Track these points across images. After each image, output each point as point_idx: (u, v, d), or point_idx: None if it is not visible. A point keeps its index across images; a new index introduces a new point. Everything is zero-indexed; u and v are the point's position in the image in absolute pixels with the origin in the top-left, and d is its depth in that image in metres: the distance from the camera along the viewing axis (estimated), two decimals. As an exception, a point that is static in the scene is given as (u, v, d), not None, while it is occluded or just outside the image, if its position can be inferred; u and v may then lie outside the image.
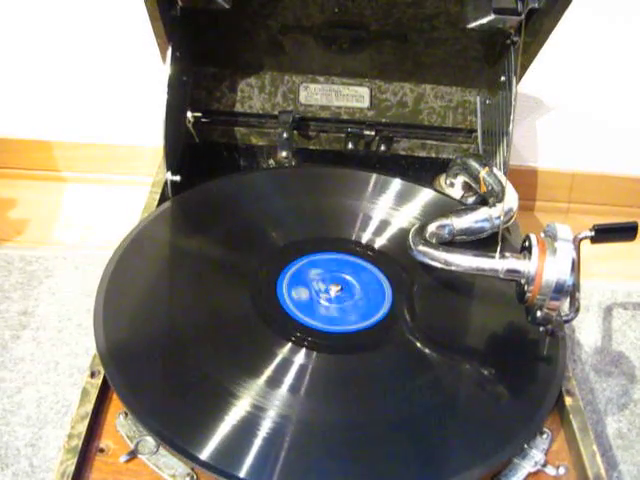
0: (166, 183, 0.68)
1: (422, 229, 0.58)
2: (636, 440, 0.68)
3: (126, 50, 0.86)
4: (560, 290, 0.48)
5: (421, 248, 0.56)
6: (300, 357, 0.51)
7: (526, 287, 0.51)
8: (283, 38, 0.72)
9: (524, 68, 0.70)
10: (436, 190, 0.70)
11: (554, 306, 0.49)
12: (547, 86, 0.88)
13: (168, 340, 0.52)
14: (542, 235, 0.51)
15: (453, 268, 0.54)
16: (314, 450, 0.45)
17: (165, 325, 0.53)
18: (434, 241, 0.57)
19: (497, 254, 0.52)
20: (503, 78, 0.70)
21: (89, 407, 0.47)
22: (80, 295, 0.79)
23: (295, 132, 0.78)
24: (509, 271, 0.51)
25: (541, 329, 0.54)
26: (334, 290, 0.57)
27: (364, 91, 0.78)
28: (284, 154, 0.74)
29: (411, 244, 0.57)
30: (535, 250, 0.50)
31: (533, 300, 0.50)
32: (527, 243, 0.51)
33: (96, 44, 0.86)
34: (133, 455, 0.45)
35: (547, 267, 0.48)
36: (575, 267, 0.48)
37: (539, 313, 0.51)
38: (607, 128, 0.92)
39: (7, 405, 0.66)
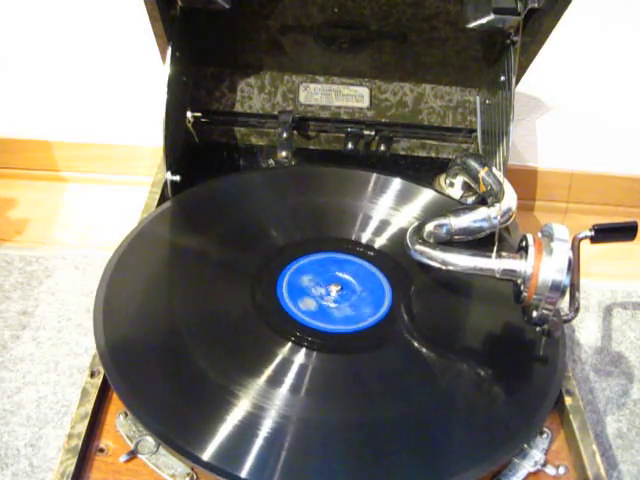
0: (166, 183, 0.68)
1: (420, 228, 0.58)
2: (636, 440, 0.68)
3: (126, 50, 0.86)
4: (556, 290, 0.48)
5: (418, 247, 0.56)
6: (300, 357, 0.51)
7: (522, 287, 0.51)
8: (283, 38, 0.72)
9: (524, 68, 0.70)
10: (436, 190, 0.70)
11: (550, 306, 0.49)
12: (547, 86, 0.88)
13: (168, 340, 0.52)
14: (539, 235, 0.51)
15: (450, 268, 0.54)
16: (314, 450, 0.45)
17: (165, 325, 0.53)
18: (432, 240, 0.57)
19: (493, 254, 0.52)
20: (503, 78, 0.70)
21: (89, 407, 0.47)
22: (80, 295, 0.79)
23: (295, 132, 0.78)
24: (505, 271, 0.51)
25: (538, 329, 0.54)
26: (334, 290, 0.57)
27: (364, 91, 0.78)
28: (284, 154, 0.73)
29: (408, 243, 0.57)
30: (531, 250, 0.50)
31: (529, 300, 0.50)
32: (524, 243, 0.51)
33: (96, 44, 0.86)
34: (133, 455, 0.45)
35: (543, 267, 0.48)
36: (572, 267, 0.48)
37: (535, 313, 0.51)
38: (606, 128, 0.92)
39: (7, 405, 0.66)
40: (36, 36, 0.86)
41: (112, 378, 0.47)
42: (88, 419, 0.46)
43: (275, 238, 0.63)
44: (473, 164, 0.66)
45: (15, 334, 0.74)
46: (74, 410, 0.47)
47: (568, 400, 0.51)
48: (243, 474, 0.42)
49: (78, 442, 0.45)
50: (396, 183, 0.69)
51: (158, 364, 0.50)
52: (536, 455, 0.47)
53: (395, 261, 0.61)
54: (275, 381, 0.48)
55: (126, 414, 0.47)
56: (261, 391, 0.47)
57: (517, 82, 0.71)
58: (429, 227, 0.58)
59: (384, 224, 0.65)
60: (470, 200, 0.71)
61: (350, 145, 0.78)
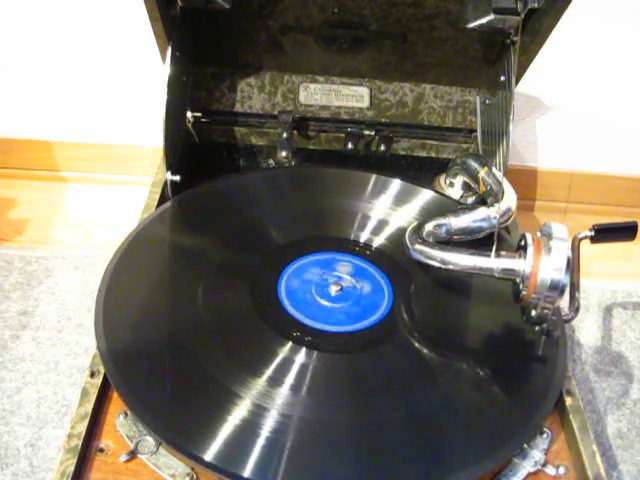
0: (166, 183, 0.68)
1: (419, 228, 0.58)
2: (636, 440, 0.68)
3: (126, 50, 0.86)
4: (555, 289, 0.48)
5: (417, 247, 0.56)
6: (300, 356, 0.51)
7: (521, 286, 0.51)
8: (283, 38, 0.72)
9: (524, 68, 0.70)
10: (436, 190, 0.70)
11: (549, 305, 0.49)
12: (547, 86, 0.88)
13: (169, 340, 0.52)
14: (538, 234, 0.51)
15: (449, 267, 0.54)
16: (315, 449, 0.45)
17: (165, 325, 0.53)
18: (431, 240, 0.57)
19: (492, 253, 0.52)
20: (503, 78, 0.70)
21: (89, 407, 0.47)
22: (80, 295, 0.79)
23: (295, 132, 0.78)
24: (504, 270, 0.51)
25: (536, 328, 0.54)
26: (334, 290, 0.57)
27: (364, 91, 0.78)
28: (284, 154, 0.73)
29: (407, 243, 0.57)
30: (530, 249, 0.50)
31: (528, 299, 0.50)
32: (523, 242, 0.51)
33: (96, 44, 0.86)
34: (133, 455, 0.45)
35: (542, 266, 0.48)
36: (571, 266, 0.48)
37: (534, 312, 0.51)
38: (606, 128, 0.92)
39: (7, 405, 0.66)
40: (36, 36, 0.86)
41: (112, 378, 0.47)
42: (88, 419, 0.46)
43: (275, 238, 0.63)
44: (473, 164, 0.66)
45: (15, 334, 0.74)
46: (74, 410, 0.47)
47: (568, 400, 0.51)
48: (244, 474, 0.42)
49: (78, 442, 0.45)
50: (396, 184, 0.69)
51: (158, 364, 0.49)
52: (536, 455, 0.47)
53: (395, 261, 0.61)
54: (275, 381, 0.48)
55: (126, 414, 0.47)
56: (261, 391, 0.47)
57: (517, 82, 0.71)
58: (428, 227, 0.58)
59: (383, 224, 0.65)
60: (470, 200, 0.71)
61: (350, 145, 0.78)
